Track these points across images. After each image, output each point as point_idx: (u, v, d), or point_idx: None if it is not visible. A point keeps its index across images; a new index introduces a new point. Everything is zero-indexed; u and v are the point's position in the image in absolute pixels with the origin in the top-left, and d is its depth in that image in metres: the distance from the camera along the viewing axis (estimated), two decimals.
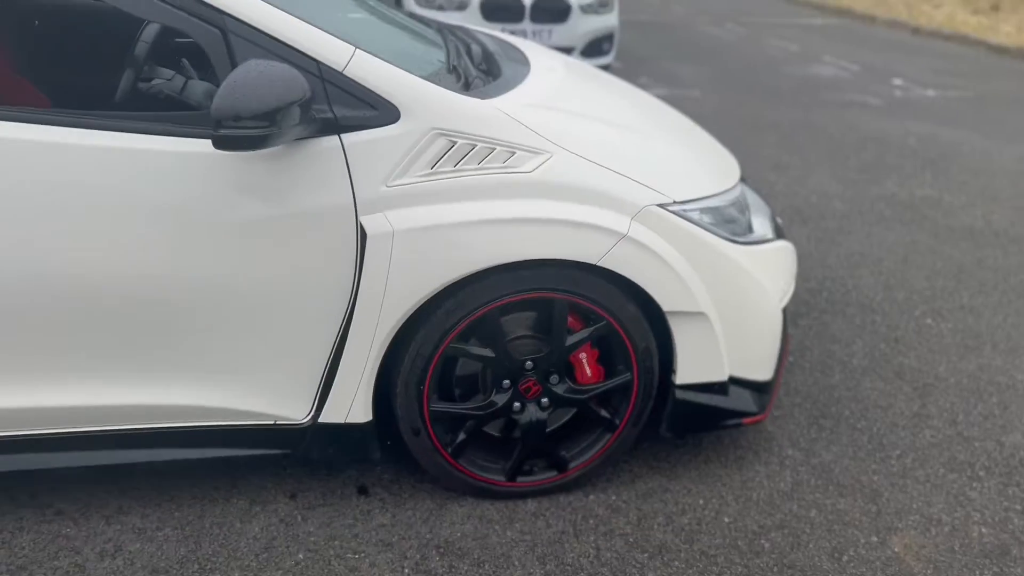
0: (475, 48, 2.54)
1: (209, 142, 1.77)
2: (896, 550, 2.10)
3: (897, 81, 8.11)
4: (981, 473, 2.40)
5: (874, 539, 2.13)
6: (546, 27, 6.65)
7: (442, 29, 2.74)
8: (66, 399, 1.90)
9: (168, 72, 2.16)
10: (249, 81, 1.64)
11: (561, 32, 6.65)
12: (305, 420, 2.03)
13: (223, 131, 1.63)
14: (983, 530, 2.17)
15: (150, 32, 2.23)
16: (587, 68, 2.84)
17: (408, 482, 2.25)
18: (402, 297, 1.91)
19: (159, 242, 1.80)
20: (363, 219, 1.86)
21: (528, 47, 2.73)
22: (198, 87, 2.10)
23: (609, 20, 6.94)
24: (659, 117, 2.62)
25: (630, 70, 7.79)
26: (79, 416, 1.93)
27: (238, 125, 1.63)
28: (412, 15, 2.89)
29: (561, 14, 6.66)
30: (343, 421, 2.03)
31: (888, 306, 3.42)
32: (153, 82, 2.10)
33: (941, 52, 10.05)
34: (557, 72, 2.48)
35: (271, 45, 1.79)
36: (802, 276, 3.62)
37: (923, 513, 2.23)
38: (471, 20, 6.47)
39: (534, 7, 6.61)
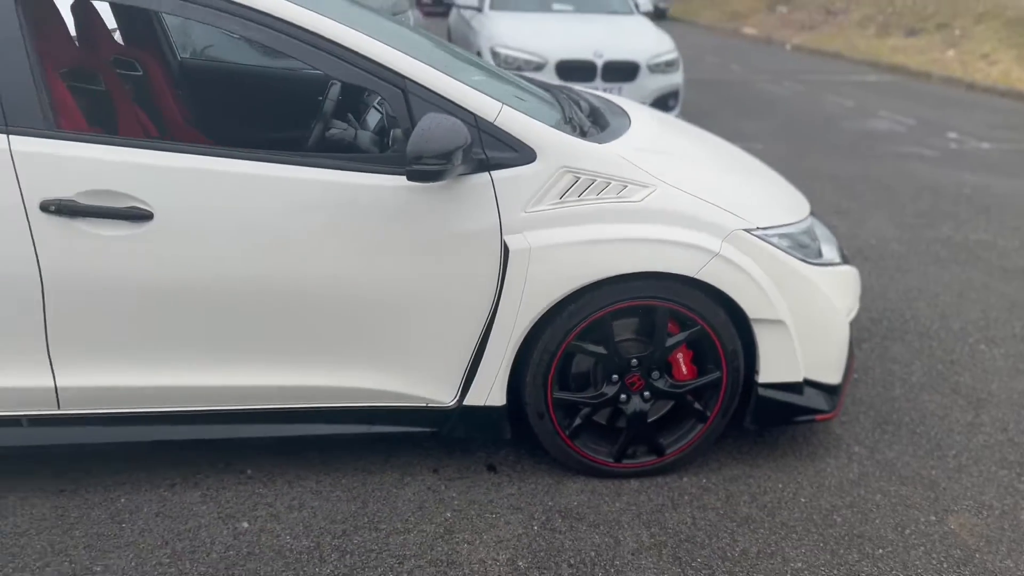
0: (583, 103, 3.03)
1: (391, 176, 2.27)
2: (952, 527, 2.44)
3: (952, 135, 8.43)
4: None
5: (932, 518, 2.48)
6: (616, 85, 7.19)
7: (550, 88, 3.24)
8: (266, 380, 2.38)
9: (344, 123, 2.69)
10: (432, 129, 2.14)
11: (630, 90, 7.18)
12: (451, 403, 2.48)
13: (414, 167, 2.13)
14: None
15: (334, 91, 2.77)
16: (674, 119, 3.31)
17: (528, 462, 2.67)
18: (535, 301, 2.36)
19: (352, 254, 2.29)
20: (507, 238, 2.33)
21: (624, 103, 3.22)
22: (380, 135, 2.65)
23: (674, 78, 7.46)
24: (737, 159, 3.07)
25: (696, 124, 8.26)
26: (274, 395, 2.41)
27: (424, 163, 2.12)
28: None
29: (630, 73, 7.20)
30: (483, 404, 2.47)
31: (944, 334, 3.76)
32: (338, 131, 2.63)
33: (996, 107, 10.33)
34: (652, 123, 2.96)
35: (440, 102, 2.29)
36: (863, 308, 3.98)
37: (976, 499, 2.57)
38: (547, 79, 7.04)
39: (605, 67, 7.16)
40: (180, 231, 2.20)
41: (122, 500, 2.41)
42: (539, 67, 7.18)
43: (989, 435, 2.93)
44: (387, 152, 2.47)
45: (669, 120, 3.22)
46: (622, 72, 7.20)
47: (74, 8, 2.87)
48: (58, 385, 2.28)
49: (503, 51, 7.23)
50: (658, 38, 7.71)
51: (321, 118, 2.65)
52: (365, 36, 2.29)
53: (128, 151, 2.17)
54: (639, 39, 7.55)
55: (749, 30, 19.59)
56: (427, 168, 2.14)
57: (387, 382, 2.44)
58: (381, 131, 2.80)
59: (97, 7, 3.04)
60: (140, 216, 2.17)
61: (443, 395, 2.48)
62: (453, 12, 9.47)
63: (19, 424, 2.32)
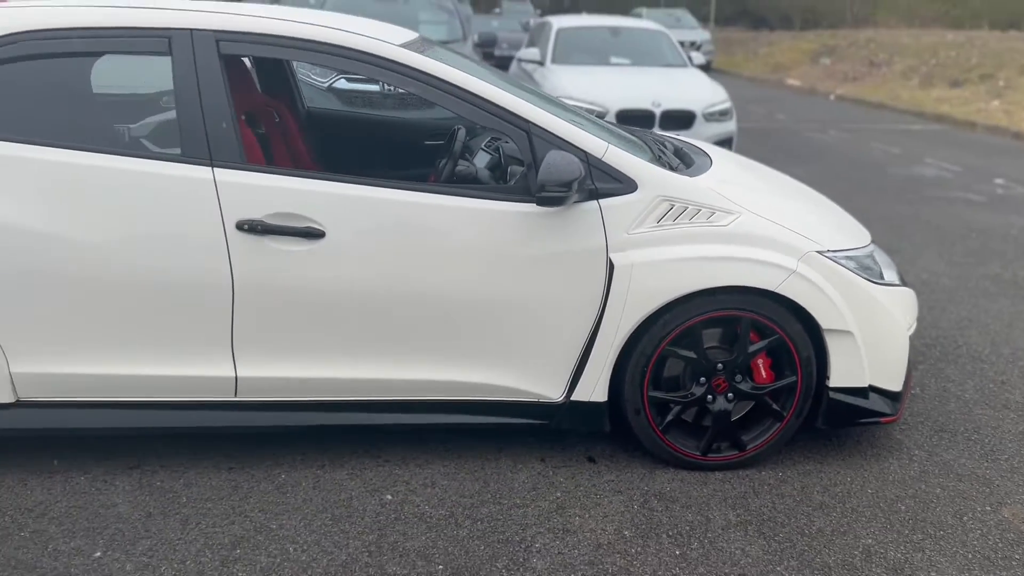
0: (667, 144, 3.46)
1: (514, 203, 2.72)
2: (1005, 516, 2.75)
3: (999, 180, 8.71)
4: None
5: (987, 508, 2.79)
6: (673, 133, 7.64)
7: (635, 132, 3.68)
8: (407, 375, 2.81)
9: (467, 161, 3.17)
10: (556, 163, 2.58)
11: (687, 137, 7.62)
12: (560, 399, 2.88)
13: (542, 194, 2.57)
14: None
15: (461, 135, 3.24)
16: (747, 159, 3.72)
17: (623, 455, 3.04)
18: (635, 311, 2.77)
19: (483, 267, 2.72)
20: (612, 255, 2.75)
21: (702, 144, 3.64)
22: (493, 170, 3.11)
23: (729, 126, 7.89)
24: (804, 192, 3.48)
25: None
26: (412, 388, 2.83)
27: (551, 191, 2.56)
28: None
29: (687, 122, 7.66)
30: (588, 400, 2.86)
31: (995, 358, 4.06)
32: (463, 167, 3.10)
33: None
34: (730, 160, 3.38)
35: (558, 141, 2.74)
36: (917, 334, 4.30)
37: None
38: None
39: (663, 116, 7.63)
40: (347, 247, 2.66)
41: (282, 476, 2.84)
42: (600, 116, 7.66)
43: None
44: (510, 183, 2.93)
45: (743, 159, 3.64)
46: (679, 121, 7.66)
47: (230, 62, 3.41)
48: (238, 376, 2.73)
49: (566, 101, 7.74)
50: (712, 89, 8.18)
51: (451, 157, 3.11)
52: (498, 88, 2.76)
53: (307, 181, 2.65)
54: (694, 90, 8.02)
55: (793, 81, 20.05)
56: (553, 195, 2.58)
57: (506, 379, 2.85)
58: (494, 167, 3.26)
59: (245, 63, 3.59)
60: (315, 234, 2.63)
61: (552, 391, 2.87)
62: (514, 64, 10.06)
63: (202, 408, 2.78)
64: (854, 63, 20.39)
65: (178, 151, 2.62)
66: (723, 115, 7.89)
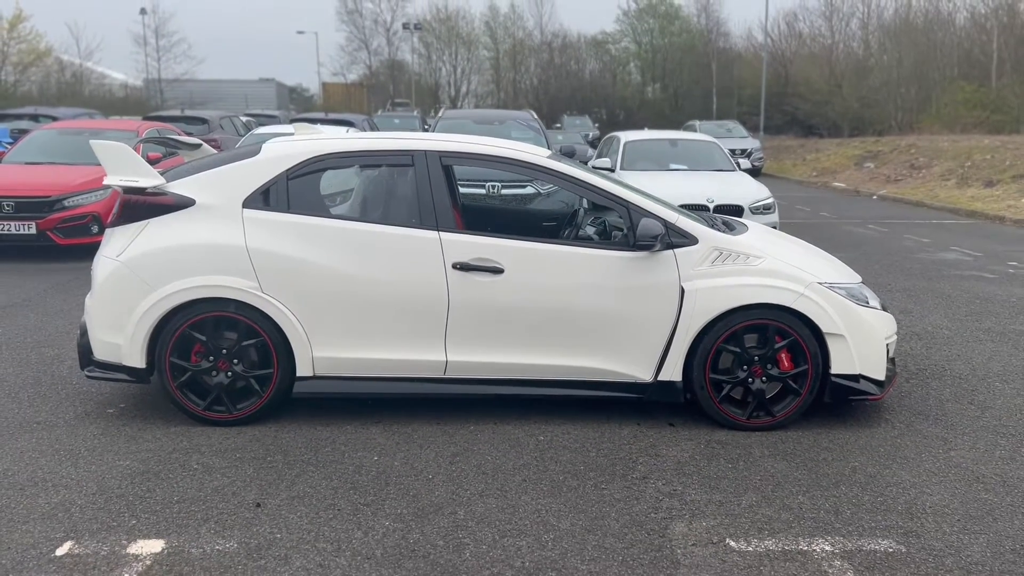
0: (718, 219, 5.08)
1: (619, 252, 4.35)
2: (953, 456, 4.14)
3: (1013, 263, 10.05)
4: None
5: (939, 451, 4.18)
6: None
7: (697, 212, 5.32)
8: (548, 361, 4.39)
9: (587, 226, 4.85)
10: (648, 226, 4.23)
11: None
12: (650, 379, 4.42)
13: (640, 243, 4.21)
14: None
15: (581, 212, 4.93)
16: (773, 230, 5.31)
17: (692, 422, 4.53)
18: (699, 320, 4.32)
19: (601, 292, 4.33)
20: (683, 284, 4.34)
21: (742, 220, 5.25)
22: (600, 232, 4.80)
23: (772, 218, 9.50)
24: (814, 249, 5.07)
25: None
26: (549, 370, 4.41)
27: (646, 241, 4.20)
28: None
29: (736, 214, 9.29)
30: (669, 379, 4.39)
31: (972, 378, 5.44)
32: (584, 230, 4.76)
33: None
34: (761, 229, 4.99)
35: (646, 213, 4.39)
36: (913, 361, 5.70)
37: (972, 446, 4.25)
38: None
39: (716, 209, 9.28)
40: (517, 279, 4.31)
41: (471, 427, 4.41)
42: None
43: (987, 421, 4.61)
44: (614, 240, 4.59)
45: (771, 229, 5.22)
46: (729, 213, 9.29)
47: None
48: (448, 360, 4.36)
49: None
50: (757, 187, 9.84)
51: (576, 226, 4.80)
52: (608, 182, 4.48)
53: (493, 239, 4.34)
54: (742, 188, 9.70)
55: (838, 184, 21.65)
56: (647, 244, 4.23)
57: (615, 365, 4.40)
58: (599, 232, 4.95)
59: None
60: (498, 271, 4.30)
61: (645, 374, 4.42)
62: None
63: (423, 381, 4.40)
64: (896, 166, 21.94)
65: (417, 221, 4.36)
66: (767, 208, 9.51)
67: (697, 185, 9.73)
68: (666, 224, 4.38)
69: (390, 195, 4.72)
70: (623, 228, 4.83)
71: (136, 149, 9.66)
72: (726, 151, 11.16)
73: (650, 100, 53.86)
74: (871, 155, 24.13)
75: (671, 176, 10.29)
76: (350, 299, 4.29)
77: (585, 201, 6.35)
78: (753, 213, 9.36)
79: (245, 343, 4.32)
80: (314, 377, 4.36)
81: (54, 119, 14.85)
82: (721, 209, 9.29)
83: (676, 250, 4.37)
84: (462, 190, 5.92)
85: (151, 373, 4.38)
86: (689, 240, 4.40)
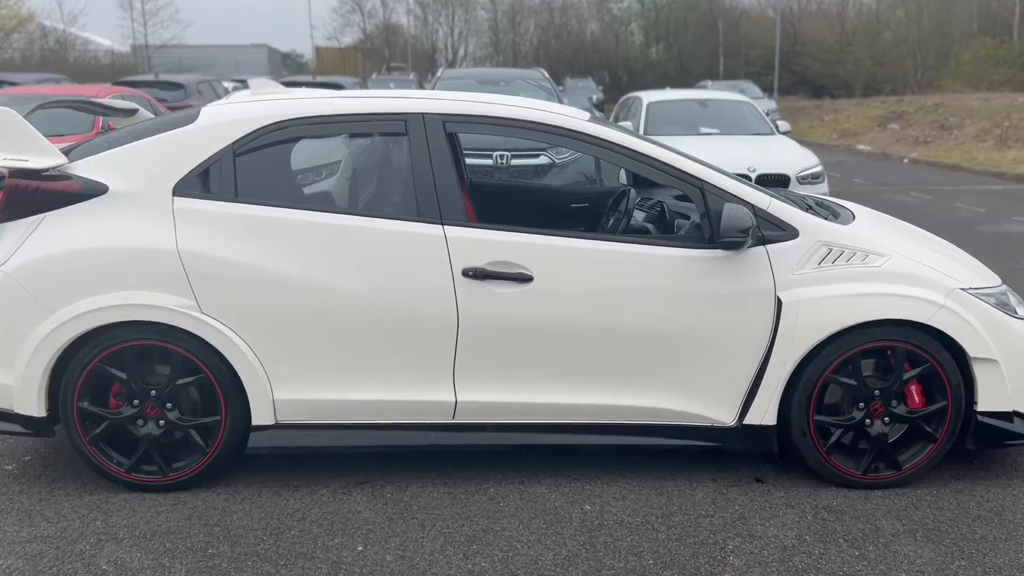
0: (808, 199, 3.88)
1: (688, 249, 3.16)
2: None
3: None
4: None
5: None
6: None
7: (779, 191, 4.12)
8: (594, 400, 3.22)
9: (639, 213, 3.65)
10: (736, 214, 3.03)
11: None
12: (732, 422, 3.25)
13: (725, 239, 3.02)
14: None
15: (632, 194, 3.73)
16: (879, 212, 4.11)
17: (786, 475, 3.38)
18: (802, 342, 3.15)
19: (665, 304, 3.16)
20: (780, 294, 3.16)
21: (839, 200, 4.06)
22: (654, 222, 3.59)
23: (821, 189, 8.26)
24: (938, 240, 3.85)
25: None
26: (594, 412, 3.25)
27: (733, 236, 3.01)
28: None
29: (782, 185, 8.06)
30: (758, 423, 3.23)
31: None
32: (637, 221, 3.58)
33: None
34: (869, 212, 3.78)
35: (728, 196, 3.19)
36: None
37: None
38: None
39: (758, 180, 8.04)
40: (551, 289, 3.13)
41: (491, 490, 3.26)
42: None
43: None
44: (681, 233, 3.40)
45: (875, 211, 4.03)
46: (774, 184, 8.05)
47: None
48: (457, 400, 3.19)
49: None
50: (802, 153, 8.61)
51: (625, 213, 3.60)
52: (675, 155, 3.26)
53: (518, 234, 3.15)
54: (786, 155, 8.47)
55: (863, 147, 20.35)
56: (733, 240, 3.03)
57: (683, 404, 3.24)
58: (657, 218, 3.74)
59: None
60: (525, 279, 3.11)
61: (726, 416, 3.25)
62: None
63: (425, 429, 3.23)
64: (924, 127, 20.62)
65: (414, 211, 3.16)
66: (815, 178, 8.28)
67: (734, 152, 8.48)
68: (755, 211, 3.19)
69: (377, 176, 3.53)
70: (689, 215, 3.64)
71: (95, 124, 8.33)
72: (762, 112, 9.90)
73: (654, 61, 52.16)
74: (895, 115, 22.78)
75: (702, 142, 9.02)
76: (324, 320, 3.12)
77: (623, 173, 5.16)
78: (801, 183, 8.13)
79: (181, 381, 3.16)
80: (276, 426, 3.20)
81: (13, 85, 13.55)
82: (764, 180, 8.05)
83: (769, 247, 3.18)
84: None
85: (55, 423, 3.22)
86: (787, 233, 3.21)
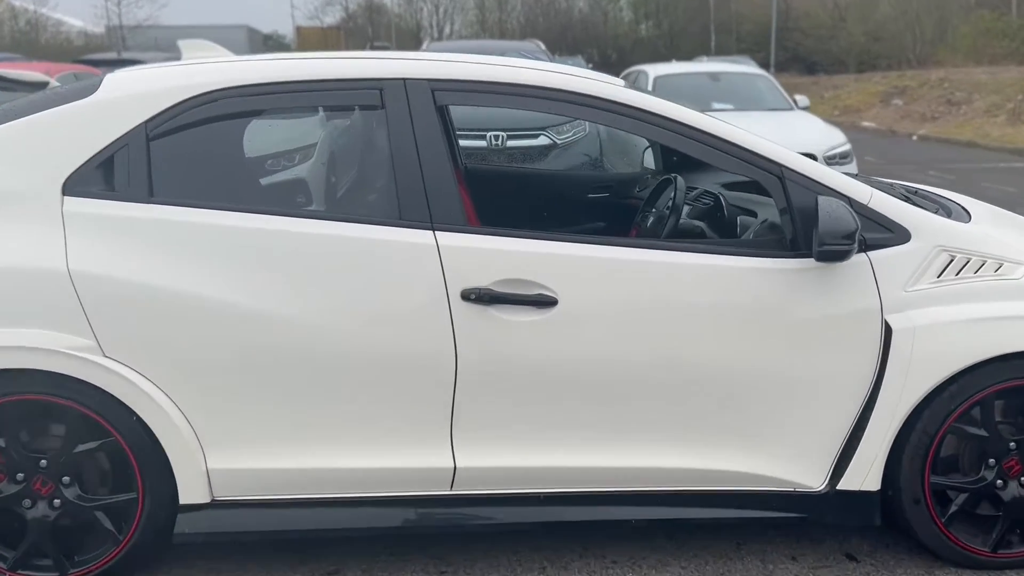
0: (908, 188, 3.03)
1: (772, 262, 2.34)
2: None
3: None
4: None
5: None
6: None
7: (865, 178, 3.29)
8: (640, 462, 2.41)
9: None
10: (835, 211, 2.21)
11: None
12: (821, 487, 2.45)
13: (825, 248, 2.19)
14: None
15: (680, 184, 2.88)
16: (985, 203, 3.27)
17: (885, 551, 2.59)
18: (919, 382, 2.34)
19: (729, 333, 2.34)
20: (888, 317, 2.35)
21: (936, 190, 3.22)
22: (711, 222, 2.76)
23: (850, 169, 7.42)
24: None
25: None
26: (639, 477, 2.44)
27: (835, 243, 2.19)
28: None
29: None
30: (857, 489, 2.43)
31: None
32: (687, 220, 2.75)
33: None
34: (993, 211, 2.95)
35: (816, 187, 2.37)
36: None
37: None
38: None
39: None
40: (581, 316, 2.30)
41: None
42: None
43: None
44: (751, 237, 2.57)
45: (984, 203, 3.21)
46: None
47: None
48: (457, 466, 2.37)
49: None
50: (828, 130, 7.80)
51: (674, 210, 2.76)
52: (744, 132, 2.43)
53: (535, 242, 2.32)
54: (811, 132, 7.66)
55: (868, 123, 19.55)
56: (836, 249, 2.21)
57: (756, 464, 2.44)
58: (705, 216, 2.90)
59: None
60: (546, 302, 2.28)
61: (811, 479, 2.45)
62: None
63: (413, 504, 2.41)
64: (929, 103, 19.84)
65: (394, 212, 2.32)
66: (843, 158, 7.48)
67: (753, 130, 7.60)
68: (852, 206, 2.36)
69: (346, 166, 2.69)
70: (755, 211, 2.82)
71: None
72: (779, 86, 9.07)
73: (643, 38, 51.09)
74: (897, 91, 21.98)
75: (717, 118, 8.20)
76: (275, 362, 2.28)
77: (650, 155, 4.30)
78: (829, 163, 7.30)
79: (82, 448, 2.31)
80: (213, 504, 2.36)
81: None
82: None
83: (873, 254, 2.36)
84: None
85: None
86: (895, 235, 2.39)
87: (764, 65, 30.53)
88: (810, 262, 2.33)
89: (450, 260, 2.27)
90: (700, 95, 8.82)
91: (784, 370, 2.37)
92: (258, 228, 2.28)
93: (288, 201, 2.70)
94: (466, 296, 2.26)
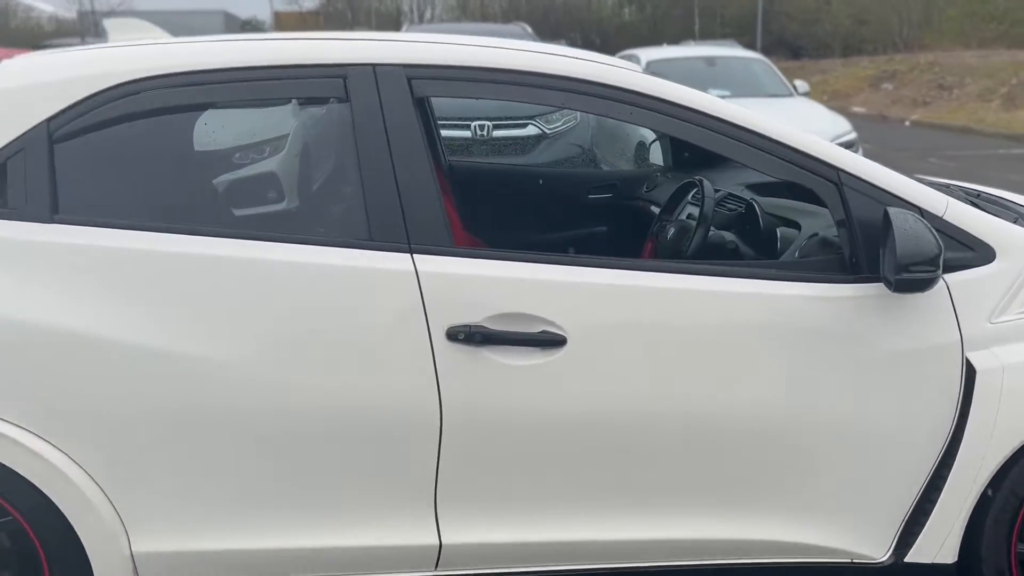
0: (967, 190, 2.60)
1: (829, 289, 1.91)
2: None
3: None
4: None
5: None
6: None
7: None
8: (663, 533, 1.98)
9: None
10: (914, 230, 1.77)
11: None
12: (885, 558, 2.02)
13: (907, 276, 1.75)
14: None
15: (708, 189, 2.42)
16: None
17: None
18: (1008, 432, 1.92)
19: (775, 377, 1.91)
20: (970, 355, 1.92)
21: (997, 191, 2.79)
22: (746, 237, 2.31)
23: None
24: None
25: None
26: (666, 550, 2.01)
27: (916, 271, 1.75)
28: None
29: None
30: (930, 561, 2.00)
31: None
32: (717, 235, 2.30)
33: None
34: None
35: (881, 195, 1.93)
36: None
37: None
38: None
39: None
40: (596, 358, 1.86)
41: None
42: None
43: None
44: (795, 254, 2.12)
45: None
46: None
47: None
48: (442, 543, 1.92)
49: None
50: (832, 117, 7.40)
51: (702, 222, 2.30)
52: (797, 130, 1.98)
53: (541, 268, 1.86)
54: (815, 120, 7.23)
55: (858, 108, 19.19)
56: (919, 277, 1.76)
57: (802, 533, 2.00)
58: (743, 230, 2.46)
59: None
60: (553, 342, 1.83)
61: (873, 548, 2.02)
62: None
63: None
64: (920, 87, 19.52)
65: (364, 233, 1.85)
66: (850, 147, 7.05)
67: None
68: (923, 217, 1.92)
69: (303, 173, 2.22)
70: (796, 220, 2.37)
71: None
72: (778, 71, 8.63)
73: (627, 23, 50.53)
74: (887, 75, 21.65)
75: None
76: (214, 422, 1.82)
77: (658, 148, 3.82)
78: None
79: None
80: None
81: None
82: None
83: (950, 277, 1.92)
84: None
85: None
86: (976, 254, 1.95)
87: (749, 49, 30.21)
88: (873, 288, 1.89)
89: (433, 291, 1.81)
90: (695, 81, 8.31)
91: (842, 421, 1.94)
92: (189, 254, 1.81)
93: (234, 213, 2.21)
94: (453, 335, 1.81)
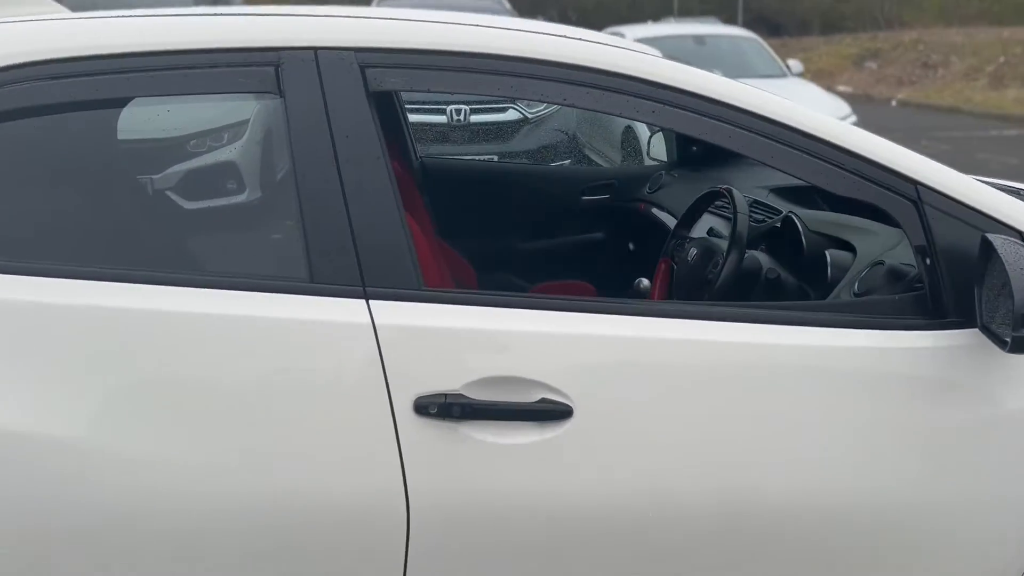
0: (1005, 187, 2.21)
1: (888, 332, 1.49)
2: None
3: None
4: None
5: None
6: None
7: None
8: None
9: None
10: None
11: None
12: None
13: None
14: None
15: (741, 204, 1.98)
16: None
17: None
18: None
19: (843, 448, 1.49)
20: None
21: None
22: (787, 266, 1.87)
23: None
24: None
25: None
26: None
27: None
28: None
29: None
30: None
31: None
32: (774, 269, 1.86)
33: None
34: None
35: (974, 217, 1.51)
36: None
37: None
38: None
39: None
40: (610, 434, 1.42)
41: None
42: None
43: None
44: (848, 286, 1.70)
45: None
46: None
47: None
48: None
49: None
50: (829, 99, 7.03)
51: (735, 244, 1.85)
52: (868, 135, 1.56)
53: (539, 315, 1.42)
54: (813, 103, 6.81)
55: (843, 88, 18.81)
56: None
57: None
58: (781, 252, 2.02)
59: None
60: (556, 414, 1.40)
61: None
62: None
63: None
64: (904, 66, 19.20)
65: (303, 274, 1.40)
66: None
67: None
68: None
69: (231, 191, 1.76)
70: (851, 244, 1.93)
71: None
72: (770, 50, 8.21)
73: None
74: (870, 53, 21.31)
75: None
76: (116, 527, 1.37)
77: (656, 140, 3.33)
78: None
79: None
80: None
81: None
82: None
83: None
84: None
85: None
86: None
87: (730, 26, 29.78)
88: (964, 335, 1.48)
89: (394, 349, 1.37)
90: (684, 61, 7.92)
91: (922, 500, 1.52)
92: (72, 306, 1.35)
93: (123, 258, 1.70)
94: (423, 409, 1.36)
